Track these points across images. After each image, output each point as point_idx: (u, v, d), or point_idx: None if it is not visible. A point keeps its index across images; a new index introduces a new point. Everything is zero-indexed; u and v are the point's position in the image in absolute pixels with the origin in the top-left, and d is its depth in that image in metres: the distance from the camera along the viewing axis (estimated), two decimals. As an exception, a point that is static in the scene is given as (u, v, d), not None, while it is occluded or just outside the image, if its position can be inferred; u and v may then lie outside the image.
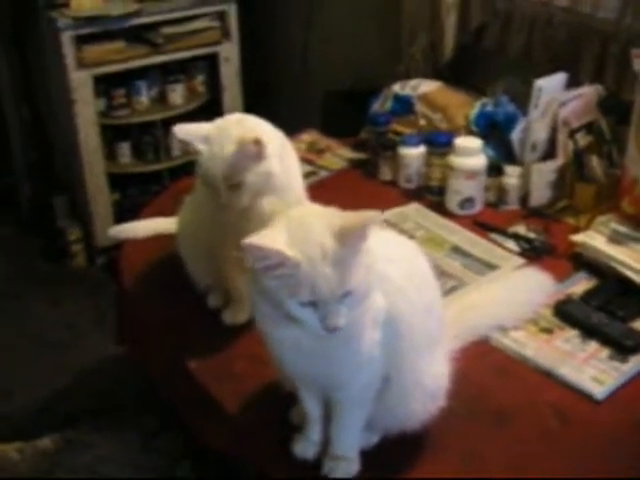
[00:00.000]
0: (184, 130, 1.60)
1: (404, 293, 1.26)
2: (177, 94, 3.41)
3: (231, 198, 1.56)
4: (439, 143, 2.14)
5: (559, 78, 2.10)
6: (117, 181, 3.46)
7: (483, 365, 1.58)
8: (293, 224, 1.15)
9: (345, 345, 1.20)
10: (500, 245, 1.97)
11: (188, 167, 2.59)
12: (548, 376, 1.56)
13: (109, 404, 2.53)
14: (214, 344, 1.67)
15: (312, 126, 2.71)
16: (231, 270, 1.67)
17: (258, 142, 1.51)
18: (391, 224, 2.05)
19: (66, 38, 3.04)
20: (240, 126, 1.57)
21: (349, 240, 1.12)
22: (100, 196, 3.38)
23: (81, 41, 3.08)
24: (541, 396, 1.52)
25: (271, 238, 1.12)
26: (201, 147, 1.56)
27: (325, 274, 1.10)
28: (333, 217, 1.16)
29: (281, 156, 1.60)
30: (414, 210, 2.13)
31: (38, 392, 2.68)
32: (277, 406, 1.47)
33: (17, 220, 3.76)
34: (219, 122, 1.61)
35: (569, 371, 1.55)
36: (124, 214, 3.38)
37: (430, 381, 1.33)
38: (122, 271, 1.96)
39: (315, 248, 1.11)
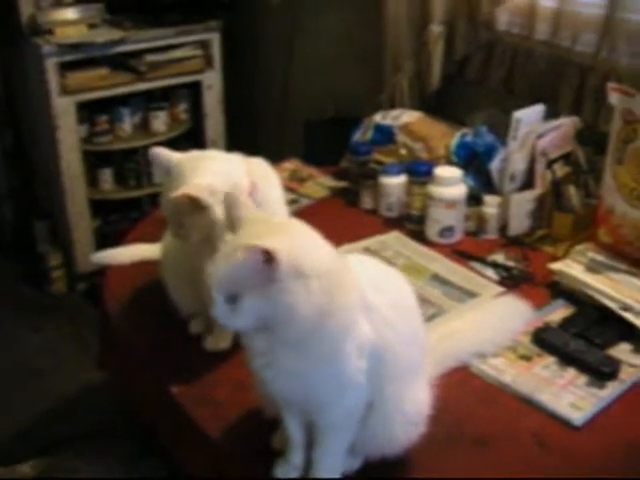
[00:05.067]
0: (157, 156, 1.64)
1: (391, 323, 1.28)
2: (160, 121, 3.43)
3: (179, 235, 1.61)
4: (419, 172, 2.17)
5: (537, 109, 2.14)
6: (98, 207, 3.47)
7: (463, 392, 1.60)
8: None
9: (320, 368, 1.22)
10: (479, 273, 2.00)
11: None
12: (527, 403, 1.58)
13: (90, 430, 2.52)
14: (196, 370, 1.68)
15: (294, 154, 2.74)
16: (214, 296, 1.68)
17: (193, 199, 1.53)
18: (372, 252, 2.07)
19: (50, 64, 3.06)
20: (197, 167, 1.60)
21: None
22: (81, 222, 3.38)
23: (65, 68, 3.10)
24: (520, 422, 1.54)
25: None
26: (162, 179, 1.65)
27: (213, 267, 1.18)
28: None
29: (254, 188, 1.62)
30: (394, 238, 2.15)
31: (19, 418, 2.67)
32: (259, 431, 1.47)
33: (-1, 243, 3.76)
34: (187, 156, 1.65)
35: (548, 397, 1.57)
36: (105, 240, 3.39)
37: (412, 408, 1.35)
38: (105, 296, 1.97)
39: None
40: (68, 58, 3.09)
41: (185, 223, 1.58)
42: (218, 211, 1.56)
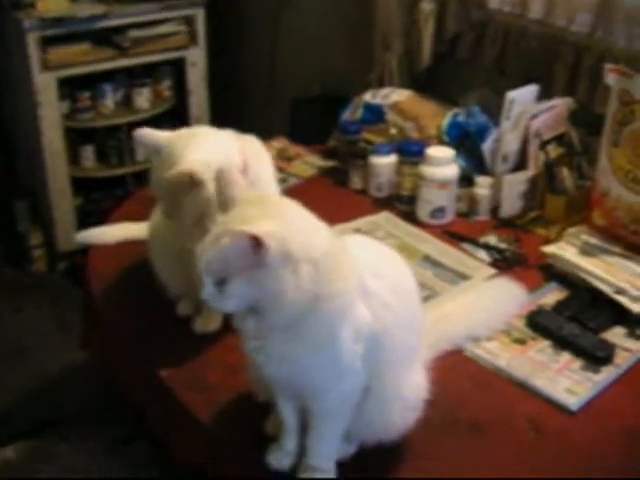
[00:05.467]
0: (143, 137, 1.60)
1: (390, 308, 1.26)
2: (143, 98, 3.37)
3: (173, 215, 1.56)
4: (411, 152, 2.13)
5: (531, 90, 2.11)
6: (80, 185, 3.41)
7: (457, 376, 1.58)
8: None
9: (315, 352, 1.19)
10: (471, 255, 1.97)
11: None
12: (522, 387, 1.56)
13: (75, 412, 2.48)
14: (186, 352, 1.64)
15: (280, 132, 2.70)
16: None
17: (192, 175, 1.49)
18: (362, 233, 2.04)
19: (31, 39, 2.99)
20: (190, 144, 1.55)
21: None
22: (63, 200, 3.33)
23: (46, 42, 3.03)
24: (515, 407, 1.52)
25: None
26: (152, 159, 1.58)
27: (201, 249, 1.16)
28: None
29: (246, 167, 1.58)
30: (385, 219, 2.12)
31: (0, 399, 2.63)
32: (251, 416, 1.44)
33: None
34: (177, 134, 1.61)
35: (543, 382, 1.55)
36: (87, 219, 3.34)
37: (410, 392, 1.33)
38: (89, 276, 1.93)
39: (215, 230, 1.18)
40: (50, 33, 3.02)
41: (180, 202, 1.54)
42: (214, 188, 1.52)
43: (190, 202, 1.53)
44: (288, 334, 1.18)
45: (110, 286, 1.88)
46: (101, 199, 3.44)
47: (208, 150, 1.56)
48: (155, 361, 1.64)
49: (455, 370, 1.58)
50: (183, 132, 1.63)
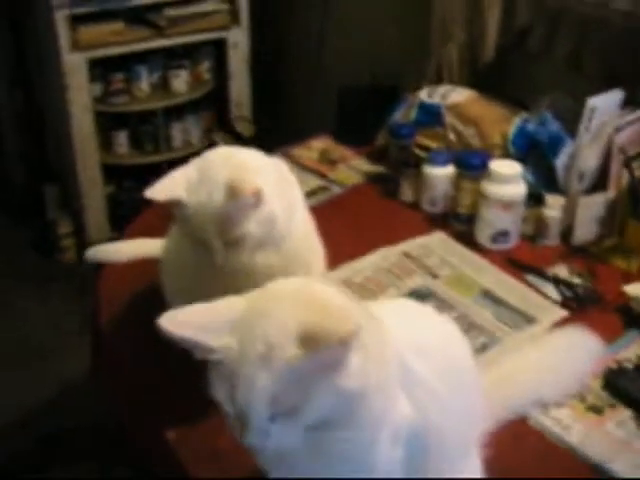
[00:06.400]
0: (159, 190, 1.31)
1: (436, 395, 1.00)
2: (180, 81, 3.19)
3: (229, 257, 1.29)
4: (471, 165, 1.85)
5: (615, 96, 1.81)
6: (112, 172, 3.25)
7: (519, 451, 1.31)
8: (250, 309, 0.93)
9: (344, 464, 0.95)
10: (538, 290, 1.69)
11: (189, 160, 2.36)
12: (598, 470, 1.29)
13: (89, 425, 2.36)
14: (198, 409, 1.39)
15: (324, 124, 2.46)
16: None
17: (256, 192, 1.25)
18: (412, 257, 1.77)
19: (60, 17, 2.84)
20: (227, 165, 1.29)
21: (313, 350, 0.85)
22: (93, 188, 3.18)
23: (77, 21, 2.87)
24: (590, 498, 1.26)
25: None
26: (185, 199, 1.29)
27: (254, 379, 0.87)
28: (307, 308, 0.89)
29: (279, 192, 1.33)
30: (439, 241, 1.85)
31: (17, 401, 2.53)
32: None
33: (7, 206, 3.54)
34: (199, 163, 1.33)
35: (624, 468, 1.28)
36: (119, 208, 3.18)
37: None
38: (98, 302, 1.70)
39: (258, 345, 0.87)
40: (80, 10, 2.85)
41: (242, 234, 1.29)
42: (275, 204, 1.31)
43: (254, 224, 1.29)
44: (314, 442, 0.92)
45: (120, 317, 1.65)
46: (134, 188, 3.26)
47: (256, 162, 1.34)
48: (162, 416, 1.41)
49: (517, 444, 1.32)
50: (211, 155, 1.37)
